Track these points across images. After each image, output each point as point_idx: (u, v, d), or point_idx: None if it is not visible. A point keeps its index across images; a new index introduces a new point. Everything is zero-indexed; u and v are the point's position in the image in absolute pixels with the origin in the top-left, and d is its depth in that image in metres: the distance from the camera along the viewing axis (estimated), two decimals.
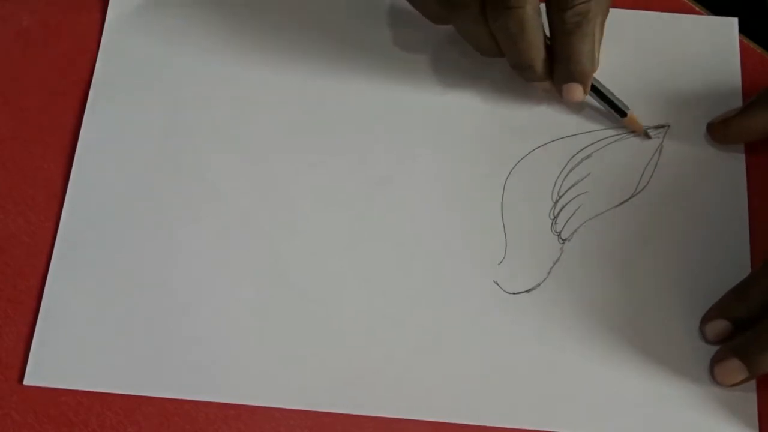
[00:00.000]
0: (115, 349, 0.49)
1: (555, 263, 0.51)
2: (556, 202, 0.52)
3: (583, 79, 0.51)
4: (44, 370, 0.48)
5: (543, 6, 0.50)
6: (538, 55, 0.50)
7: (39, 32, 0.56)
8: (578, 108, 0.54)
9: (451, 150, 0.53)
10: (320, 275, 0.51)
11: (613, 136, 0.54)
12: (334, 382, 0.48)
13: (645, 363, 0.49)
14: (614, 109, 0.53)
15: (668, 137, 0.54)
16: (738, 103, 0.54)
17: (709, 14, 0.57)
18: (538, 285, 0.51)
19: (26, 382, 0.48)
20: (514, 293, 0.50)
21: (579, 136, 0.54)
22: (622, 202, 0.52)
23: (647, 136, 0.53)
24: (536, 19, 0.49)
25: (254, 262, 0.51)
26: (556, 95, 0.53)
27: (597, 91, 0.53)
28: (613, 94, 0.53)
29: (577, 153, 0.54)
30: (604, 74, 0.54)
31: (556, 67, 0.51)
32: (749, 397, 0.48)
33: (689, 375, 0.49)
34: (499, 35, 0.50)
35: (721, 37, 0.56)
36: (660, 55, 0.56)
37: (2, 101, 0.55)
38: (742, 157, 0.53)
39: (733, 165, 0.53)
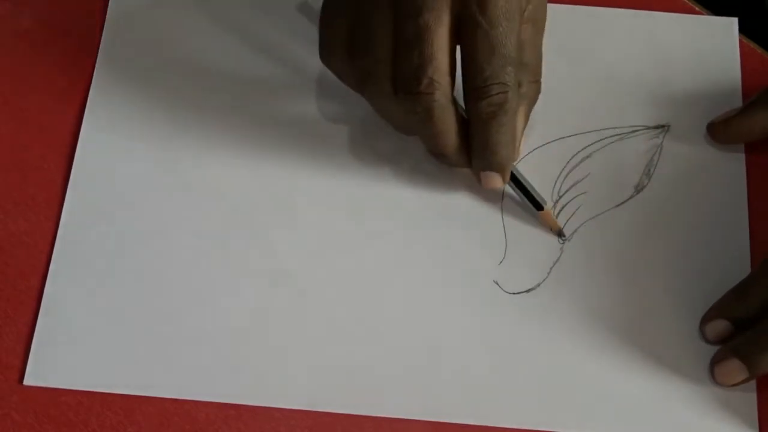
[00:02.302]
0: (115, 349, 0.49)
1: (555, 263, 0.51)
2: (556, 202, 0.52)
3: (500, 169, 0.49)
4: (44, 370, 0.48)
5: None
6: (449, 142, 0.48)
7: (39, 32, 0.56)
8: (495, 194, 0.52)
9: None
10: (320, 276, 0.51)
11: (613, 136, 0.54)
12: (334, 382, 0.48)
13: (645, 363, 0.49)
14: (531, 202, 0.51)
15: (668, 137, 0.54)
16: (738, 103, 0.54)
17: (709, 14, 0.57)
18: (538, 285, 0.51)
19: (26, 382, 0.48)
20: (514, 293, 0.50)
21: (579, 136, 0.54)
22: (622, 202, 0.52)
23: (561, 234, 0.51)
24: (447, 106, 0.47)
25: (254, 262, 0.51)
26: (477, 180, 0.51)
27: (516, 181, 0.51)
28: (531, 186, 0.51)
29: (577, 153, 0.54)
30: (605, 75, 0.55)
31: (473, 155, 0.49)
32: (749, 397, 0.48)
33: (689, 375, 0.49)
34: (409, 118, 0.48)
35: (721, 37, 0.56)
36: (660, 55, 0.56)
37: (2, 101, 0.55)
38: (742, 157, 0.53)
39: (733, 165, 0.53)
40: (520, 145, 0.50)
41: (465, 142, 0.49)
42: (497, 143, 0.48)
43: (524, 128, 0.49)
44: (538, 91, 0.49)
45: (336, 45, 0.48)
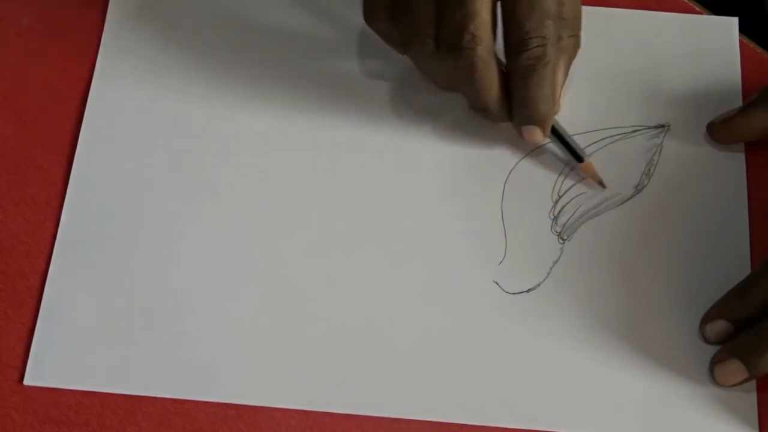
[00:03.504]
0: (115, 349, 0.49)
1: (555, 263, 0.51)
2: (556, 202, 0.52)
3: (541, 123, 0.50)
4: (44, 370, 0.48)
5: None
6: (491, 97, 0.49)
7: (39, 32, 0.56)
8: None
9: (452, 150, 0.53)
10: (320, 275, 0.51)
11: (613, 136, 0.54)
12: (334, 382, 0.48)
13: (645, 363, 0.49)
14: (572, 155, 0.52)
15: (668, 137, 0.54)
16: (738, 103, 0.54)
17: (709, 14, 0.57)
18: (538, 285, 0.51)
19: (26, 382, 0.48)
20: (514, 293, 0.50)
21: (579, 136, 0.54)
22: (622, 202, 0.52)
23: (602, 185, 0.52)
24: (489, 60, 0.48)
25: (254, 262, 0.51)
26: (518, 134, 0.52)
27: (557, 134, 0.52)
28: (573, 139, 0.52)
29: None
30: (604, 75, 0.55)
31: (514, 109, 0.50)
32: (749, 397, 0.48)
33: (689, 375, 0.49)
34: (453, 75, 0.49)
35: (721, 37, 0.56)
36: (660, 54, 0.56)
37: (2, 101, 0.55)
38: (742, 157, 0.53)
39: (733, 165, 0.53)
40: (559, 98, 0.50)
41: (506, 97, 0.50)
42: (537, 97, 0.49)
43: (564, 82, 0.50)
44: (577, 45, 0.50)
45: (380, 6, 0.49)
